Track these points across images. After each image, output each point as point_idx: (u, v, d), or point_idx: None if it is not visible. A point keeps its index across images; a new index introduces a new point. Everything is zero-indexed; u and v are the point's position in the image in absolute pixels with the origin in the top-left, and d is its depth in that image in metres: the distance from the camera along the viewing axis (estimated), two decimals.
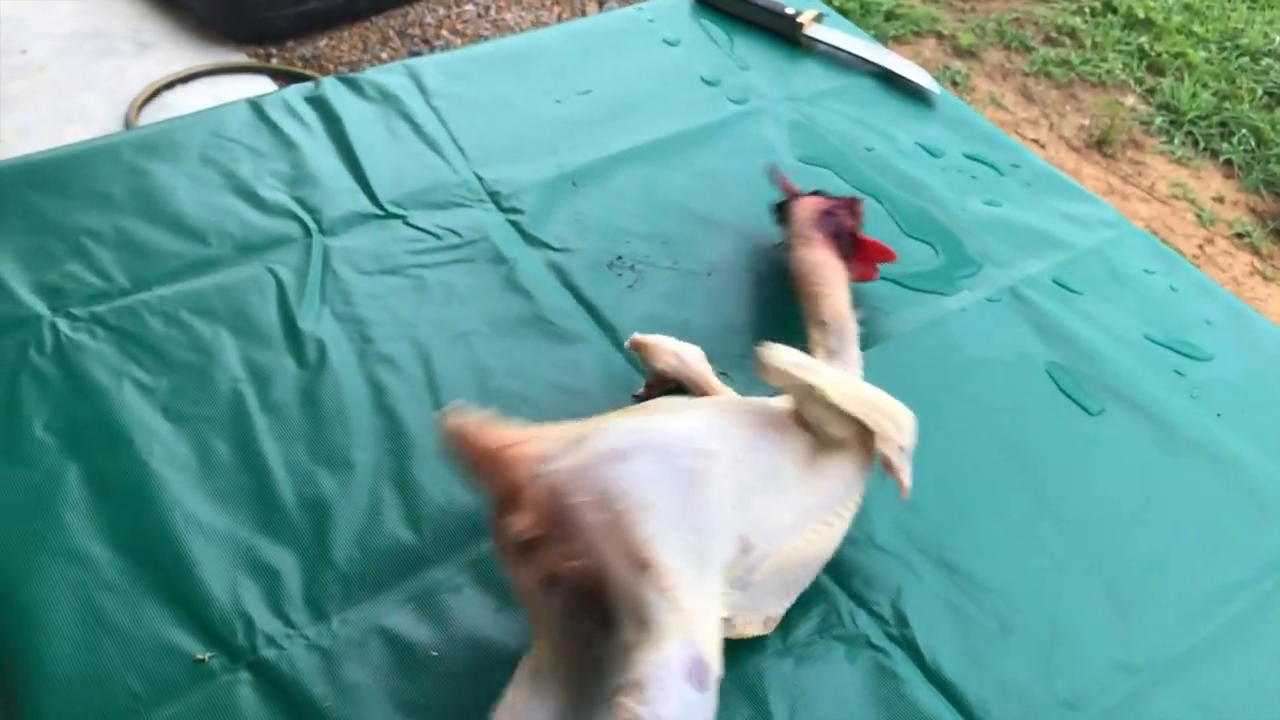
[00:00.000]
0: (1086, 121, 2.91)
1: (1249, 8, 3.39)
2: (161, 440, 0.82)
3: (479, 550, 0.78)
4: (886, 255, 0.96)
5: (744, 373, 0.91)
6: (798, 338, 0.93)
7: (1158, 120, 2.92)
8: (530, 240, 1.01)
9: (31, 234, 0.96)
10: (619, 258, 1.00)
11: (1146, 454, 0.90)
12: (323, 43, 2.81)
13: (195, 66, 2.61)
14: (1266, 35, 3.23)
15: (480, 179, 1.06)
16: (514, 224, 1.02)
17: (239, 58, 2.68)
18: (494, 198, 1.04)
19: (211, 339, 0.89)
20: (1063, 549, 0.82)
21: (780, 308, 0.98)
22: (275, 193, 1.02)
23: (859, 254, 0.94)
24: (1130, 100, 3.02)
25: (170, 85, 2.54)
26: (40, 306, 0.90)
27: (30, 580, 0.74)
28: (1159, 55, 3.15)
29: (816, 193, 0.98)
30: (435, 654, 0.73)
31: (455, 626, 0.74)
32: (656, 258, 1.01)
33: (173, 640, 0.72)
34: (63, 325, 0.89)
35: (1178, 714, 0.75)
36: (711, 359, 0.91)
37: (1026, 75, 3.08)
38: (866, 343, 0.88)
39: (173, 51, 2.65)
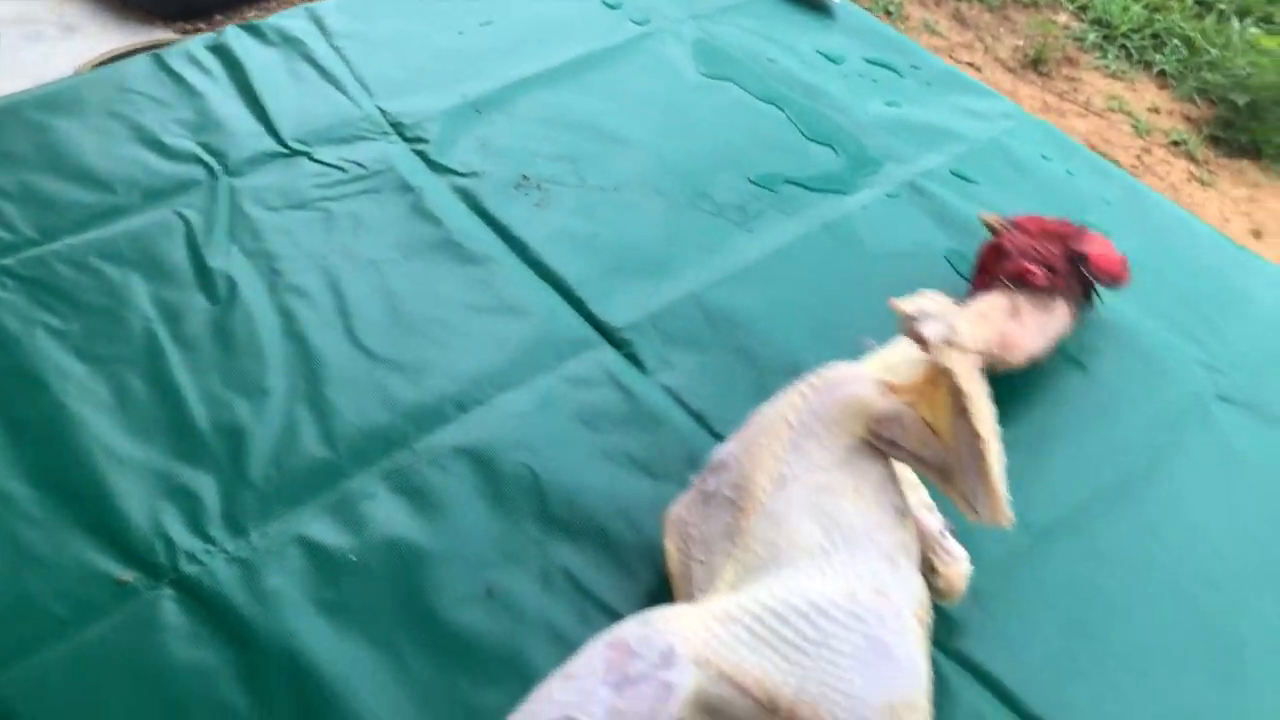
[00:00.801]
0: (1021, 42, 2.93)
1: None
2: (76, 380, 0.83)
3: (393, 461, 0.80)
4: (1115, 274, 0.88)
5: (648, 280, 0.93)
6: (696, 251, 0.96)
7: (1091, 36, 2.94)
8: (436, 168, 1.02)
9: None
10: (525, 178, 1.02)
11: None
12: (250, 13, 2.79)
13: (122, 46, 2.59)
14: None
15: (383, 112, 1.07)
16: (419, 153, 1.04)
17: (167, 34, 2.66)
18: (398, 129, 1.06)
19: (121, 283, 0.91)
20: None
21: (687, 224, 1.00)
22: (180, 140, 1.02)
23: (1089, 273, 0.88)
24: (1063, 19, 3.03)
25: (98, 66, 2.52)
26: None
27: None
28: None
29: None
30: (354, 558, 0.75)
31: (372, 532, 0.77)
32: (564, 176, 1.03)
33: (94, 565, 0.73)
34: None
35: (1073, 563, 0.79)
36: (619, 270, 0.94)
37: (960, 0, 3.09)
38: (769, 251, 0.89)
39: (99, 33, 2.62)
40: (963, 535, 0.75)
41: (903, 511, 0.68)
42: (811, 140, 1.09)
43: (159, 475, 0.79)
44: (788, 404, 0.72)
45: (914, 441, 0.68)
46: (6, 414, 0.81)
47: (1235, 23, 2.99)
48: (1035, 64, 2.90)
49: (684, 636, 0.59)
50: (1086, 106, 2.78)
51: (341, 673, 0.69)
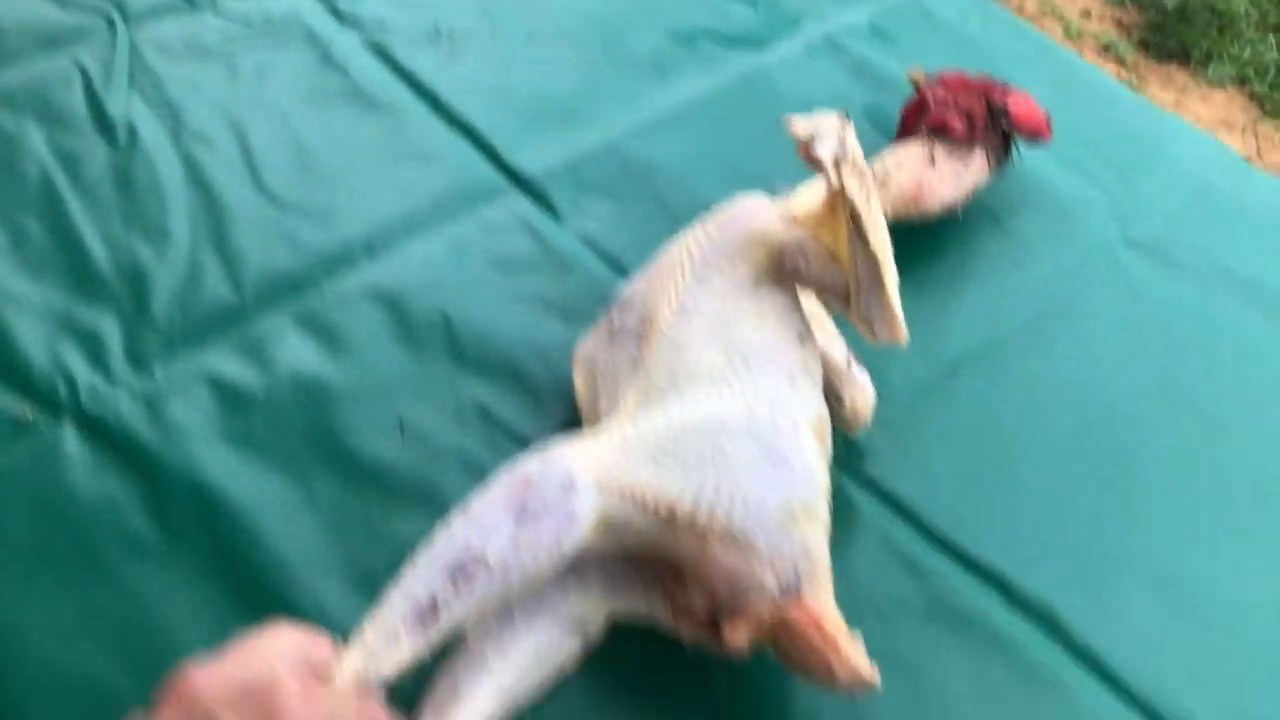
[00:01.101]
0: None
1: None
2: None
3: (301, 303, 0.79)
4: (1035, 129, 0.89)
5: (562, 130, 0.92)
6: (612, 102, 0.95)
7: None
8: (343, 19, 1.00)
9: None
10: (436, 28, 1.00)
11: None
12: None
13: None
14: None
15: None
16: (326, 5, 1.01)
17: None
18: None
19: (15, 130, 0.88)
20: None
21: (603, 75, 0.99)
22: None
23: (1008, 127, 0.88)
24: None
25: None
26: None
27: None
28: None
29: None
30: (261, 395, 0.74)
31: (280, 370, 0.76)
32: (476, 28, 1.01)
33: None
34: None
35: (980, 396, 0.80)
36: (533, 120, 0.92)
37: None
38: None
39: None
40: (874, 371, 0.76)
41: (804, 335, 0.68)
42: None
43: (58, 315, 0.77)
44: (691, 238, 0.71)
45: (816, 269, 0.68)
46: None
47: None
48: None
49: (583, 465, 0.59)
50: (1019, 10, 2.78)
51: (251, 503, 0.69)
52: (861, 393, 0.74)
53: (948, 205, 0.86)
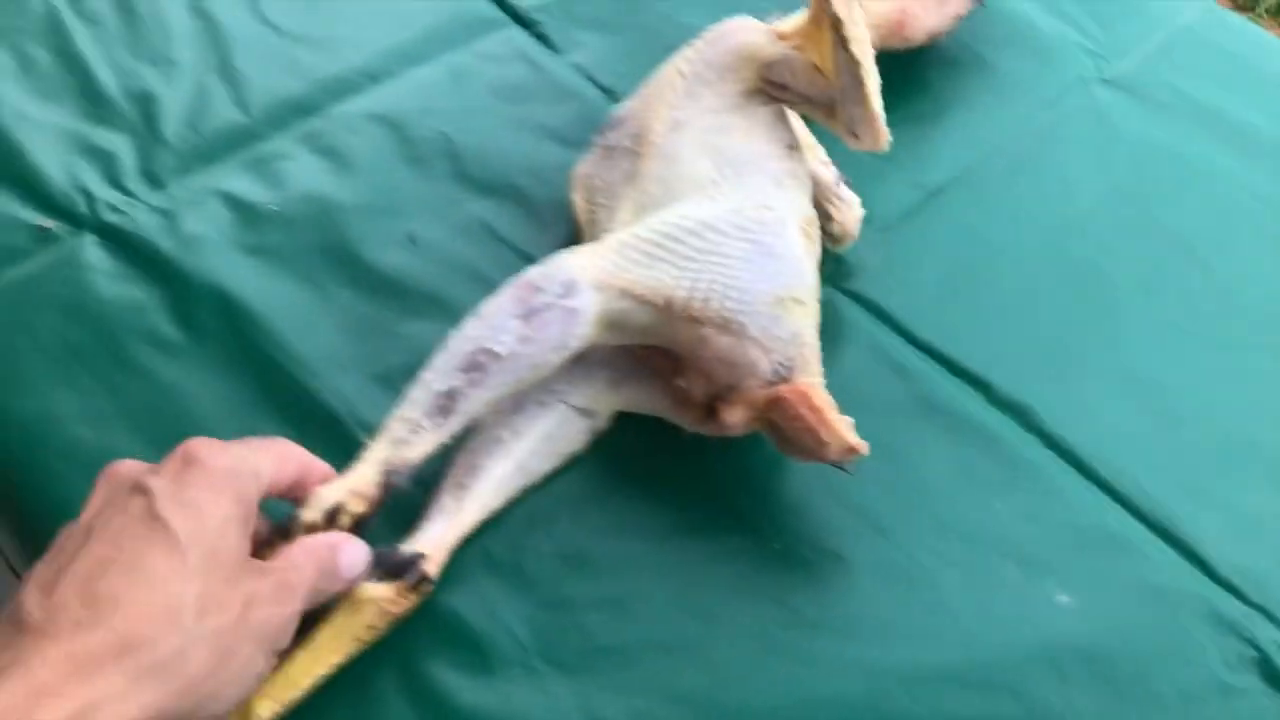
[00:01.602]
0: None
1: None
2: None
3: (308, 125, 0.82)
4: None
5: None
6: None
7: None
8: None
9: None
10: None
11: None
12: None
13: None
14: None
15: None
16: None
17: None
18: None
19: None
20: None
21: None
22: None
23: None
24: None
25: None
26: None
27: None
28: None
29: None
30: (274, 208, 0.77)
31: (291, 187, 0.78)
32: None
33: (14, 215, 0.75)
34: None
35: (961, 216, 0.84)
36: None
37: None
38: None
39: None
40: (862, 195, 0.79)
41: (792, 146, 0.72)
42: None
43: (72, 136, 0.79)
44: (682, 58, 0.74)
45: (802, 82, 0.71)
46: None
47: None
48: None
49: (583, 267, 0.63)
50: None
51: (270, 306, 0.72)
52: (850, 209, 0.78)
53: (931, 33, 0.89)
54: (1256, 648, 0.64)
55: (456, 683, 0.59)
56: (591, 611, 0.63)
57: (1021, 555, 0.67)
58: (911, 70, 0.91)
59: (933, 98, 0.91)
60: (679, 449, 0.68)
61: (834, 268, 0.78)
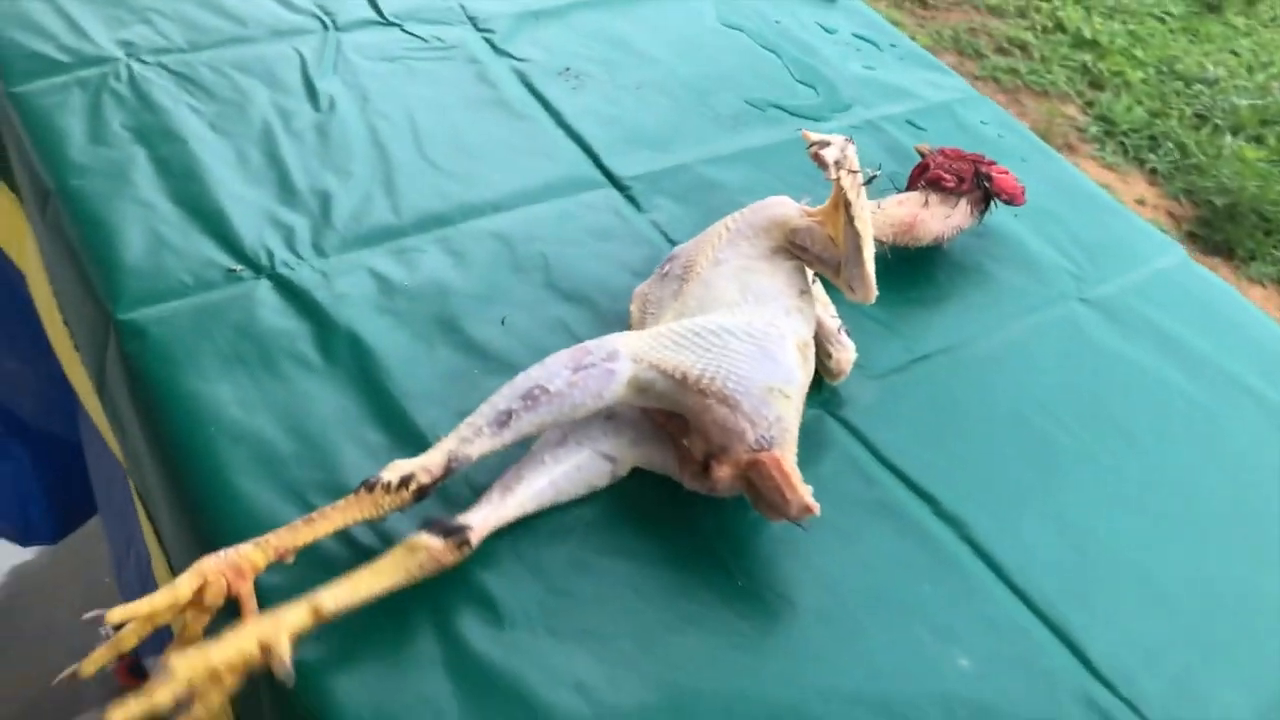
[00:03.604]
0: (1027, 124, 3.22)
1: (1189, 40, 3.70)
2: (208, 143, 1.10)
3: (442, 233, 1.06)
4: (1012, 192, 1.16)
5: (652, 152, 1.19)
6: (694, 140, 1.22)
7: (1093, 129, 3.21)
8: (499, 51, 1.30)
9: (107, 5, 1.23)
10: (567, 69, 1.29)
11: None
12: None
13: None
14: (1200, 64, 3.52)
15: (463, 7, 1.34)
16: (487, 39, 1.31)
17: None
18: (473, 21, 1.33)
19: (248, 87, 1.17)
20: None
21: (689, 120, 1.27)
22: (303, 1, 1.30)
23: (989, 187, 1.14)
24: (1070, 109, 3.31)
25: None
26: (118, 52, 1.18)
27: (111, 213, 1.01)
28: (1101, 73, 3.42)
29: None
30: (406, 284, 1.00)
31: (421, 273, 1.02)
32: (597, 73, 1.30)
33: (213, 258, 0.99)
34: (135, 66, 1.17)
35: (940, 379, 1.04)
36: (631, 143, 1.20)
37: (977, 79, 3.35)
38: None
39: None
40: (861, 350, 1.00)
41: (804, 291, 0.93)
42: (799, 81, 1.35)
43: (266, 212, 1.04)
44: (730, 217, 0.98)
45: (819, 247, 0.94)
46: (154, 154, 1.07)
47: (1228, 137, 3.23)
48: None
49: (626, 343, 0.85)
50: None
51: (388, 350, 0.94)
52: (845, 351, 0.99)
53: (936, 238, 1.11)
54: None
55: (475, 633, 0.77)
56: (586, 604, 0.81)
57: (937, 625, 0.84)
58: (919, 265, 1.13)
59: (933, 288, 1.13)
60: (676, 500, 0.87)
61: (829, 396, 0.98)
